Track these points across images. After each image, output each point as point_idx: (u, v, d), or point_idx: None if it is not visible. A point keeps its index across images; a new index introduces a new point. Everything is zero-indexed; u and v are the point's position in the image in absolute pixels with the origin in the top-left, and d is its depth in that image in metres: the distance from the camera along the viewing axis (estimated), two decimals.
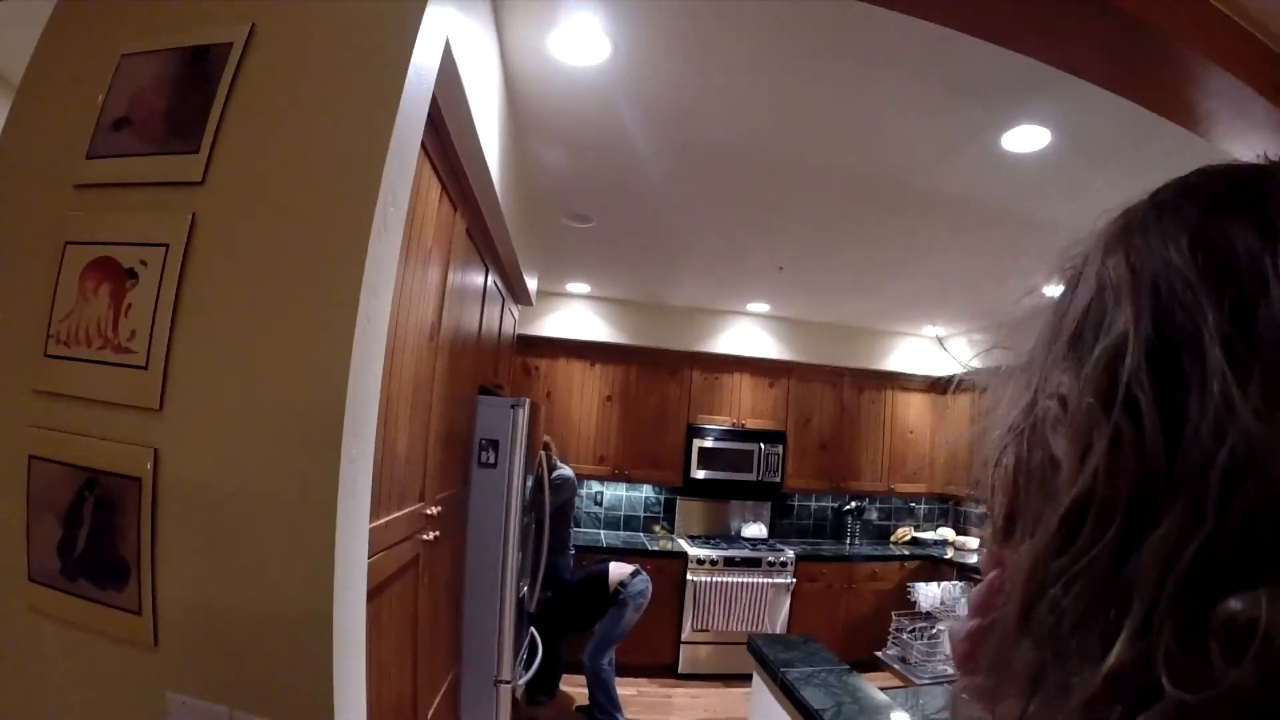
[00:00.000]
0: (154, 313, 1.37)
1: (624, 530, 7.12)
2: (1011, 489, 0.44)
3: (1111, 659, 0.33)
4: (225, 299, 1.38)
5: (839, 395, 7.22)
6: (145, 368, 1.36)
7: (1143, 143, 2.64)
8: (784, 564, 6.27)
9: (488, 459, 3.47)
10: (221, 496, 1.35)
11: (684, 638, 6.08)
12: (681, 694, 5.75)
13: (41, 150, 1.56)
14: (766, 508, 7.31)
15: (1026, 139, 2.85)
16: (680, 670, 6.08)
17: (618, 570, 5.04)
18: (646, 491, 7.20)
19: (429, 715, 2.73)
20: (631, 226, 4.49)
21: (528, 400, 3.62)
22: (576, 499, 6.10)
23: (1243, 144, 2.18)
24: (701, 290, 6.27)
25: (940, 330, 7.22)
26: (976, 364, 0.52)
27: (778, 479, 6.87)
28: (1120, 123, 2.50)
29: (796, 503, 7.52)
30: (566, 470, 5.30)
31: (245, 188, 1.42)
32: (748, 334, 7.07)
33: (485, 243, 3.32)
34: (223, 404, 1.35)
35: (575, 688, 5.35)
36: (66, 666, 1.42)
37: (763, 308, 6.78)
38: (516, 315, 5.23)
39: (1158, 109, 2.15)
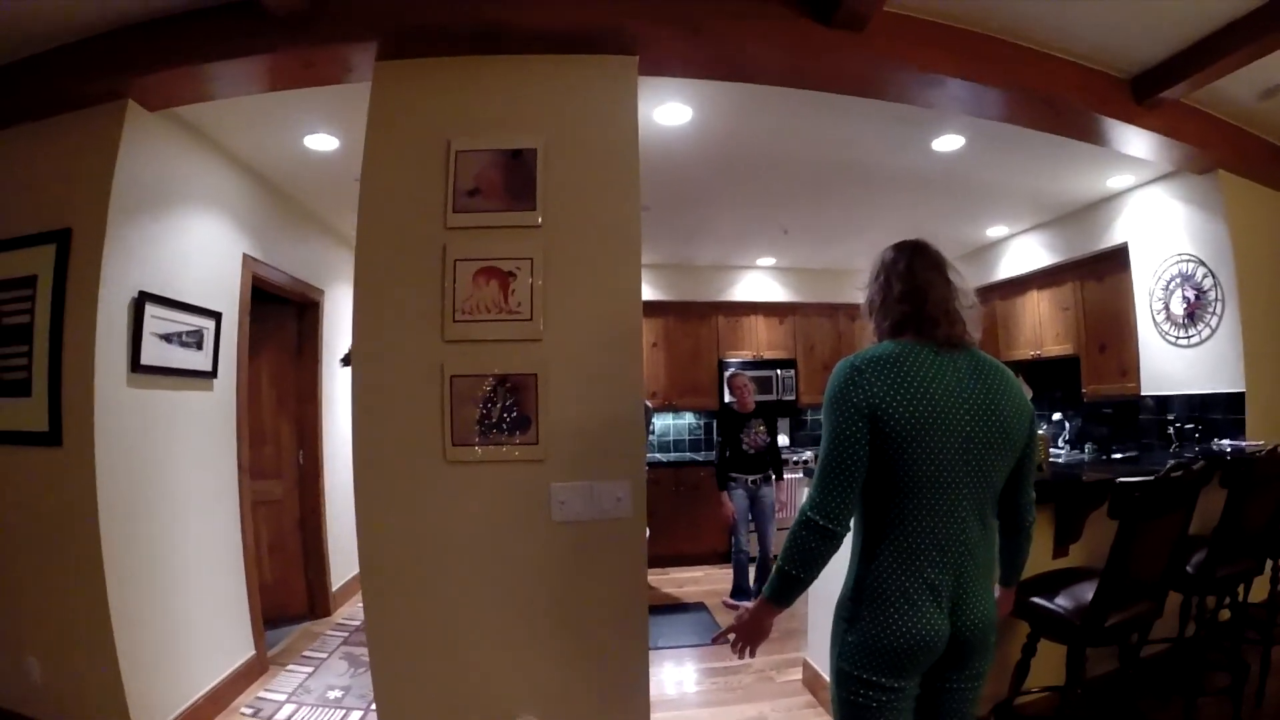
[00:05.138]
0: (530, 293, 2.77)
1: (673, 451, 8.71)
2: (870, 309, 2.04)
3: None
4: (564, 283, 2.79)
5: (835, 325, 8.76)
6: (530, 319, 2.76)
7: (1024, 143, 4.32)
8: (803, 462, 7.77)
9: None
10: (574, 379, 2.78)
11: None
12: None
13: (418, 207, 2.80)
14: (786, 422, 8.86)
15: (948, 143, 4.53)
16: None
17: None
18: (689, 419, 8.82)
19: None
20: (675, 210, 6.09)
21: None
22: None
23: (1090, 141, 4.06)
24: (721, 251, 7.94)
25: None
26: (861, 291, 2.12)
27: (793, 397, 8.47)
28: (1008, 131, 4.07)
29: (809, 416, 9.12)
30: (647, 402, 6.85)
31: (562, 226, 2.81)
32: (760, 283, 8.68)
33: None
34: (569, 334, 2.79)
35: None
36: (489, 483, 2.74)
37: (770, 261, 8.45)
38: None
39: (1036, 127, 3.85)
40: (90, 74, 3.16)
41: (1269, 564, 3.55)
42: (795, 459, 7.75)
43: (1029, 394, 3.22)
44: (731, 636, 2.06)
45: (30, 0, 2.88)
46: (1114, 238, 5.82)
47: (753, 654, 2.08)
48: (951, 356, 1.84)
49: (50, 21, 3.03)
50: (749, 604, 2.03)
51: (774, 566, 1.88)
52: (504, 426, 2.77)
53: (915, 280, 1.93)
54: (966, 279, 2.01)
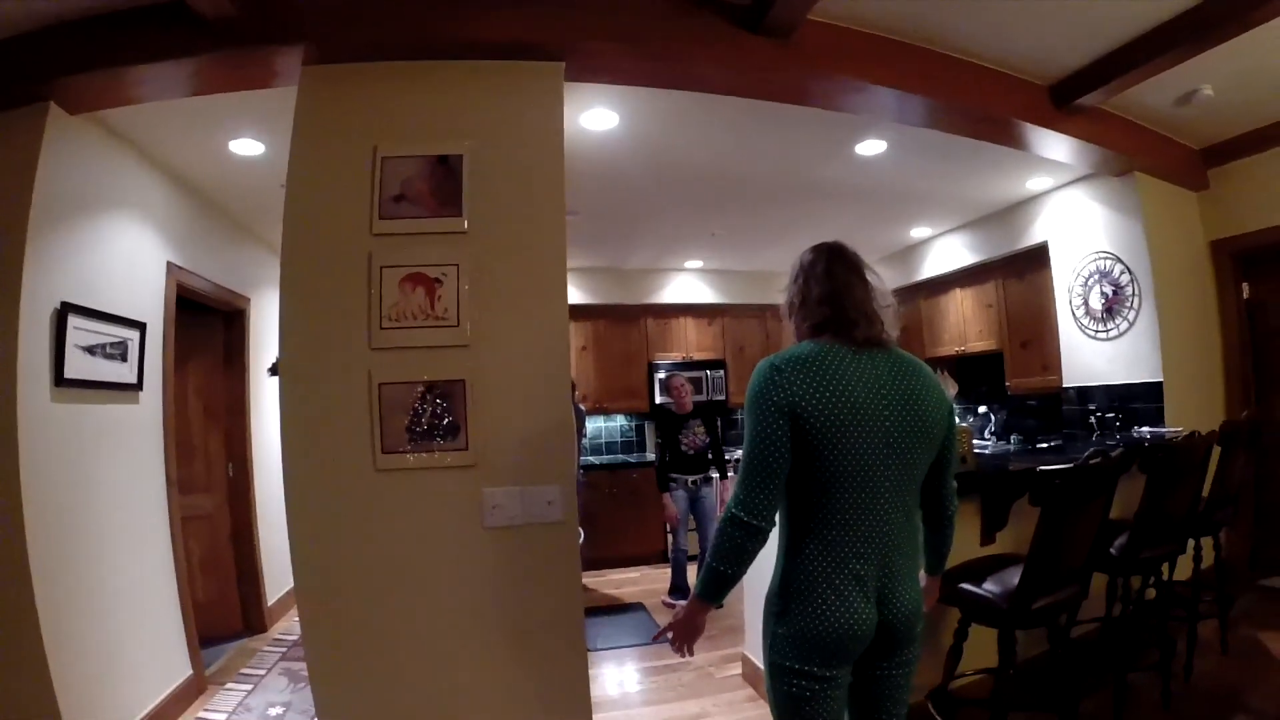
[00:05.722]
0: (457, 299, 2.75)
1: (605, 454, 8.76)
2: (790, 310, 2.09)
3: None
4: (489, 288, 2.78)
5: (764, 326, 8.90)
6: (458, 325, 2.74)
7: (946, 147, 4.43)
8: (735, 460, 7.75)
9: None
10: (503, 384, 2.77)
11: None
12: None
13: (344, 213, 2.77)
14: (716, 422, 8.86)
15: (871, 148, 4.64)
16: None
17: None
18: (620, 421, 8.88)
19: None
20: (603, 215, 6.13)
21: None
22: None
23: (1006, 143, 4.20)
24: (651, 254, 7.98)
25: None
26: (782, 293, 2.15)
27: (723, 397, 8.59)
28: (930, 136, 4.18)
29: (739, 416, 9.13)
30: (580, 405, 6.91)
31: (488, 231, 2.81)
32: (688, 285, 8.78)
33: None
34: (497, 339, 2.77)
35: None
36: (420, 491, 2.72)
37: (698, 264, 8.54)
38: None
39: (959, 132, 3.96)
40: (10, 75, 3.05)
41: (1191, 544, 3.69)
42: (728, 458, 7.79)
43: (954, 389, 3.30)
44: (670, 635, 2.09)
45: None
46: (1034, 237, 6.01)
47: (691, 652, 2.11)
48: (870, 355, 1.89)
49: None
50: (684, 603, 2.06)
51: (703, 565, 1.92)
52: (434, 433, 2.76)
53: (834, 283, 1.98)
54: (883, 279, 2.07)
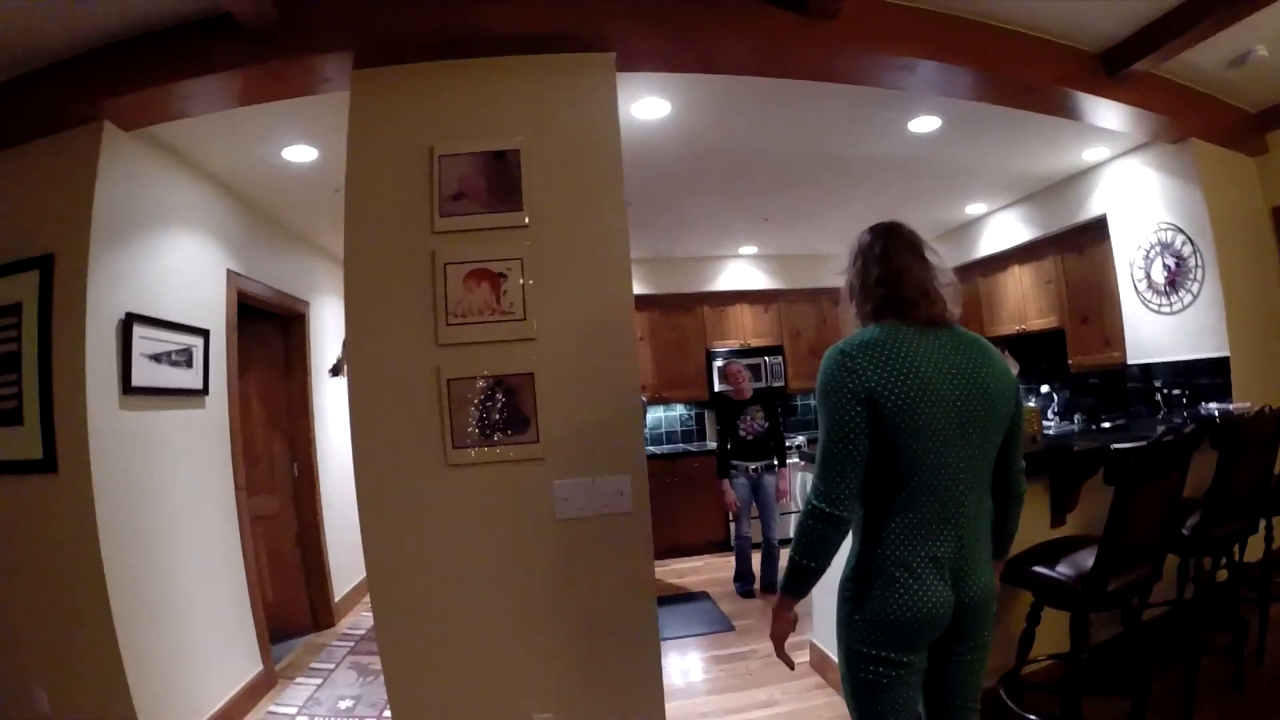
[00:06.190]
0: (522, 293, 2.78)
1: (666, 444, 8.75)
2: (850, 293, 2.07)
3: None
4: (553, 280, 2.80)
5: (820, 310, 8.78)
6: (524, 319, 2.77)
7: (999, 121, 4.35)
8: (796, 447, 7.75)
9: None
10: (571, 376, 2.80)
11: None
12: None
13: (404, 213, 2.81)
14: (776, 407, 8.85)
15: (924, 124, 4.55)
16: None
17: None
18: (680, 410, 8.86)
19: None
20: (656, 205, 6.10)
21: None
22: None
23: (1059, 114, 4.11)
24: (703, 242, 7.93)
25: None
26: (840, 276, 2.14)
27: (781, 383, 8.51)
28: (983, 109, 4.12)
29: (799, 401, 9.18)
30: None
31: (549, 224, 2.83)
32: (743, 271, 8.70)
33: None
34: (564, 331, 2.80)
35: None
36: (492, 485, 2.75)
37: (752, 249, 8.46)
38: None
39: (1009, 104, 3.91)
40: (64, 97, 3.15)
41: (1262, 523, 3.60)
42: (788, 444, 7.76)
43: (1015, 368, 3.26)
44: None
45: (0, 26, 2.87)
46: (1092, 210, 5.86)
47: (790, 664, 2.13)
48: (935, 335, 1.87)
49: (22, 46, 3.01)
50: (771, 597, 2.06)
51: (787, 560, 1.90)
52: (504, 427, 2.79)
53: (891, 264, 1.95)
54: (942, 257, 2.04)
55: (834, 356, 1.86)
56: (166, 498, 3.73)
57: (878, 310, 1.94)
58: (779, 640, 2.04)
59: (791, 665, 2.10)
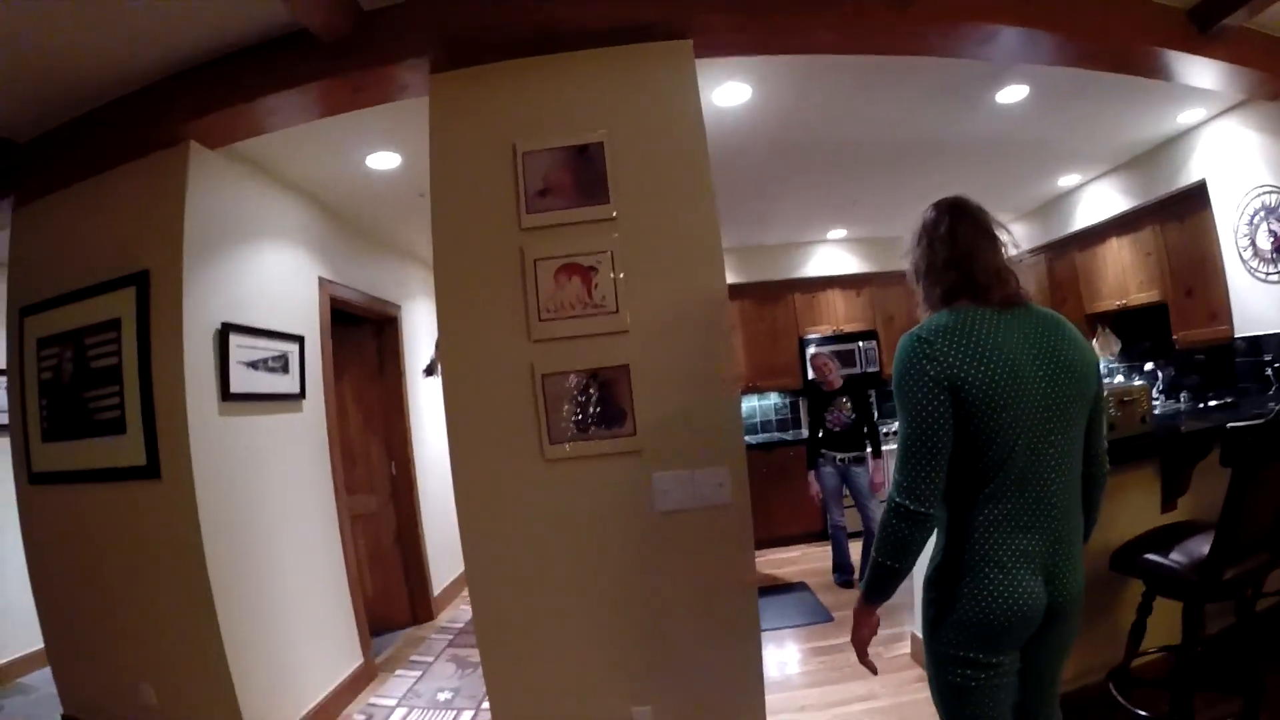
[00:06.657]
0: (614, 286, 2.77)
1: (760, 433, 8.68)
2: (916, 275, 2.00)
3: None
4: (645, 273, 2.78)
5: (912, 293, 8.48)
6: (616, 312, 2.76)
7: (1088, 86, 4.19)
8: (890, 434, 7.46)
9: None
10: (666, 368, 2.77)
11: None
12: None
13: (491, 212, 2.83)
14: (873, 394, 8.59)
15: (1012, 94, 4.41)
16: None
17: None
18: (773, 399, 8.80)
19: None
20: (741, 192, 6.07)
21: None
22: None
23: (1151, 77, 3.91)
24: (790, 228, 7.82)
25: None
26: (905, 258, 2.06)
27: (876, 369, 8.36)
28: (1071, 75, 3.98)
29: (891, 388, 8.88)
30: None
31: (637, 216, 2.81)
32: (833, 256, 8.57)
33: None
34: (657, 323, 2.78)
35: None
36: (590, 479, 2.76)
37: (841, 233, 8.30)
38: None
39: (1096, 67, 3.76)
40: (151, 120, 3.30)
41: None
42: (884, 431, 7.62)
43: (1117, 346, 3.12)
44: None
45: (91, 56, 3.00)
46: (1191, 175, 5.60)
47: (874, 669, 1.99)
48: (1013, 315, 1.79)
49: (114, 72, 3.15)
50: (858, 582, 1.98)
51: (869, 561, 1.83)
52: (601, 421, 2.80)
53: (959, 244, 1.87)
54: (1011, 232, 1.96)
55: (911, 343, 1.79)
56: (267, 498, 3.83)
57: (948, 294, 1.86)
58: (861, 646, 1.96)
59: (875, 671, 1.99)
